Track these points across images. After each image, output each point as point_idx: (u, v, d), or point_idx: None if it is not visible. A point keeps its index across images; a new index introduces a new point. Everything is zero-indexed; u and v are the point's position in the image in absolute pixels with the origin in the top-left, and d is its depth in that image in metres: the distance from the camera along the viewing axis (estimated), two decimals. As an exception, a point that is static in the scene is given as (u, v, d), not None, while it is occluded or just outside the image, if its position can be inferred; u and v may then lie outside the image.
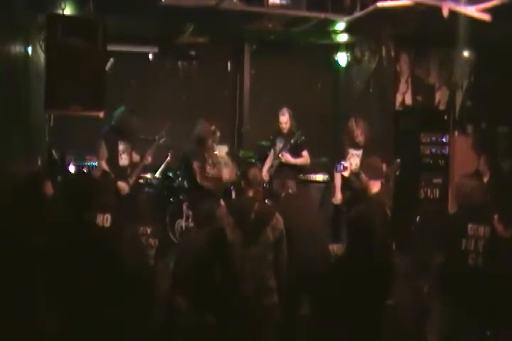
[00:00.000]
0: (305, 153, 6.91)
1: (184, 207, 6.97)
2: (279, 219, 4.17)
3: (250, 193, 4.19)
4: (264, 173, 6.96)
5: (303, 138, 6.79)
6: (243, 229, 4.08)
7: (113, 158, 6.27)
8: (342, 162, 6.32)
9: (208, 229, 4.46)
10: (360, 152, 6.49)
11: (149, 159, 6.48)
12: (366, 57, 8.02)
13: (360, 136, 6.48)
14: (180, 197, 7.18)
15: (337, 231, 6.46)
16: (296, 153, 6.88)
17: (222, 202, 6.33)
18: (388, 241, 4.86)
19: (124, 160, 6.34)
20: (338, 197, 6.58)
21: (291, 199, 5.07)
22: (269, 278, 4.10)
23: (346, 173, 6.19)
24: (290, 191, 5.50)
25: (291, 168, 6.81)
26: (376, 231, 4.04)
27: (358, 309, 3.79)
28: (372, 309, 3.88)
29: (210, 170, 6.56)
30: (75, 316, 3.69)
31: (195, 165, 6.54)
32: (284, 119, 6.99)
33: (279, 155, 6.90)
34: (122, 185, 6.17)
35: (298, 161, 6.90)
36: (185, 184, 7.05)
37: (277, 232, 4.13)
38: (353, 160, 6.53)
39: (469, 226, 4.36)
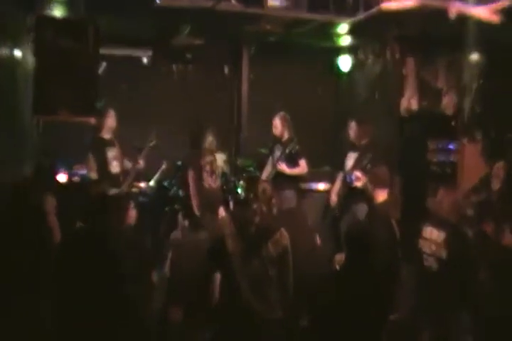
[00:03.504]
0: (302, 162, 6.83)
1: (179, 217, 6.74)
2: (283, 235, 4.25)
3: (255, 206, 4.30)
4: None
5: (297, 147, 6.74)
6: (244, 241, 4.15)
7: (103, 167, 6.28)
8: (354, 172, 6.38)
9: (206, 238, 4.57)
10: (356, 154, 6.63)
11: (142, 163, 6.47)
12: (370, 61, 8.03)
13: (355, 137, 6.66)
14: (176, 206, 7.16)
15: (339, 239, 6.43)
16: (292, 162, 6.81)
17: (222, 212, 6.43)
18: (395, 254, 4.89)
19: (115, 167, 6.37)
20: (333, 199, 6.79)
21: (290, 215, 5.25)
22: (270, 294, 4.15)
23: (359, 184, 6.21)
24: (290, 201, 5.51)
25: (288, 177, 6.76)
26: (376, 244, 4.07)
27: (359, 323, 3.81)
28: (374, 324, 3.89)
29: (207, 180, 6.49)
30: (68, 328, 3.79)
31: (190, 174, 6.49)
32: (275, 123, 6.92)
33: (276, 164, 6.85)
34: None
35: (293, 171, 6.80)
36: (181, 193, 7.03)
37: (281, 248, 4.19)
38: (349, 161, 6.69)
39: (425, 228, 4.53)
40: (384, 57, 7.76)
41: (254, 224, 4.20)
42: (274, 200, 4.61)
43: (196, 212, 6.35)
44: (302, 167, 6.84)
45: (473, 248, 4.54)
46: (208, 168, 6.50)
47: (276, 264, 4.18)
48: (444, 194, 4.60)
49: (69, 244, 4.16)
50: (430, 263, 4.52)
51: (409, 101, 7.59)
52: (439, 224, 4.55)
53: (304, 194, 7.22)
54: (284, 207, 6.05)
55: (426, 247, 4.57)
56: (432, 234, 4.55)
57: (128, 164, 6.55)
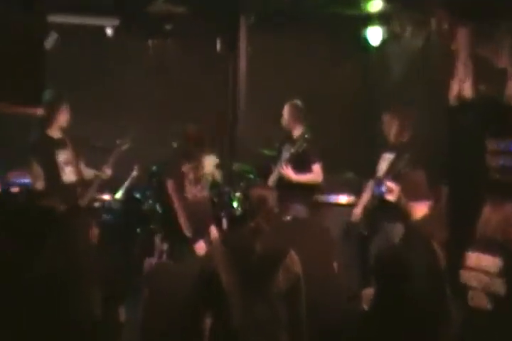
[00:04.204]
0: (316, 166, 6.81)
1: (156, 240, 6.89)
2: (294, 259, 4.17)
3: (254, 223, 4.22)
4: None
5: (304, 145, 6.69)
6: (244, 274, 4.08)
7: (52, 174, 6.22)
8: (385, 181, 6.29)
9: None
10: (392, 155, 6.61)
11: (108, 172, 6.40)
12: (408, 33, 7.96)
13: (392, 133, 6.63)
14: (151, 226, 7.12)
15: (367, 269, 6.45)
16: (301, 166, 6.80)
17: (214, 231, 6.40)
18: (439, 287, 4.75)
19: (69, 174, 6.30)
20: (356, 212, 6.77)
21: (297, 229, 5.12)
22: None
23: (392, 197, 6.08)
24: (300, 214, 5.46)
25: (296, 186, 6.71)
26: (415, 276, 3.99)
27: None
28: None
29: (190, 190, 6.41)
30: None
31: (170, 184, 6.40)
32: (284, 113, 6.92)
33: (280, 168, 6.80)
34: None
35: (302, 178, 6.81)
36: (159, 208, 6.99)
37: (292, 277, 4.12)
38: (382, 164, 6.68)
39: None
40: (427, 28, 7.65)
41: (255, 248, 4.11)
42: (275, 210, 4.49)
43: (186, 232, 6.27)
44: (315, 173, 6.82)
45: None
46: (191, 174, 6.40)
47: (286, 300, 4.10)
48: (491, 209, 4.50)
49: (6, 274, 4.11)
50: (480, 301, 4.36)
51: (461, 86, 7.41)
52: (489, 248, 4.41)
53: (319, 208, 7.18)
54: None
55: (473, 280, 4.42)
56: (482, 262, 4.40)
57: (87, 171, 6.48)
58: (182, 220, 6.29)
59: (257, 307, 4.06)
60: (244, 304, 4.04)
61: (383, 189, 6.29)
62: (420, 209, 4.99)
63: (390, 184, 6.20)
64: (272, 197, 4.30)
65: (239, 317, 4.02)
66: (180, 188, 6.35)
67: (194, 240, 6.20)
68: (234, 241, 4.29)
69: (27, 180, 6.63)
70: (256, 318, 4.04)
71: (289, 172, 6.71)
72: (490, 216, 4.47)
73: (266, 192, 4.37)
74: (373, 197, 6.69)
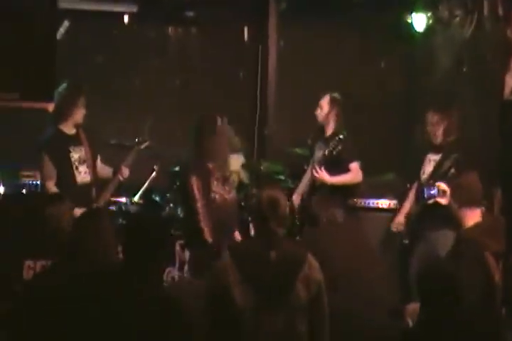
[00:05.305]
0: (354, 165, 6.77)
1: (178, 247, 6.84)
2: (313, 266, 4.12)
3: (266, 230, 4.12)
4: (296, 198, 6.87)
5: (339, 147, 6.59)
6: (259, 287, 4.02)
7: (65, 174, 6.21)
8: (437, 183, 6.17)
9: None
10: (438, 156, 6.59)
11: (126, 173, 6.38)
12: (458, 19, 7.84)
13: (437, 132, 6.58)
14: (172, 232, 7.05)
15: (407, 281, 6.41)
16: (337, 166, 6.73)
17: (238, 238, 6.37)
18: (492, 307, 4.78)
19: (83, 175, 6.30)
20: (399, 220, 6.75)
21: (335, 234, 5.10)
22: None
23: (444, 200, 5.96)
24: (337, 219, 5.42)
25: (333, 189, 6.69)
26: (463, 292, 3.91)
27: None
28: None
29: (217, 189, 6.34)
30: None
31: (194, 182, 6.31)
32: (322, 105, 6.88)
33: (313, 169, 6.73)
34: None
35: (339, 179, 6.78)
36: (180, 211, 6.96)
37: (313, 286, 4.06)
38: (427, 167, 6.65)
39: None
40: (479, 14, 7.55)
41: (268, 258, 4.04)
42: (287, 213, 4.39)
43: (207, 237, 6.17)
44: (354, 172, 6.81)
45: None
46: (218, 172, 6.34)
47: (307, 314, 4.06)
48: None
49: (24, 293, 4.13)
50: None
51: (519, 79, 7.42)
52: None
53: (357, 213, 7.20)
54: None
55: None
56: None
57: (104, 168, 6.50)
58: (203, 223, 6.16)
59: (275, 322, 4.01)
60: (261, 320, 3.99)
61: (434, 192, 6.14)
62: (472, 217, 4.96)
63: (442, 186, 6.05)
64: (284, 199, 4.23)
65: (255, 335, 3.98)
66: (206, 187, 6.26)
67: (216, 247, 6.05)
68: (245, 253, 4.18)
69: (37, 181, 6.68)
70: (273, 335, 4.00)
71: (323, 175, 6.65)
72: None
73: (278, 194, 4.25)
74: (417, 201, 6.60)
